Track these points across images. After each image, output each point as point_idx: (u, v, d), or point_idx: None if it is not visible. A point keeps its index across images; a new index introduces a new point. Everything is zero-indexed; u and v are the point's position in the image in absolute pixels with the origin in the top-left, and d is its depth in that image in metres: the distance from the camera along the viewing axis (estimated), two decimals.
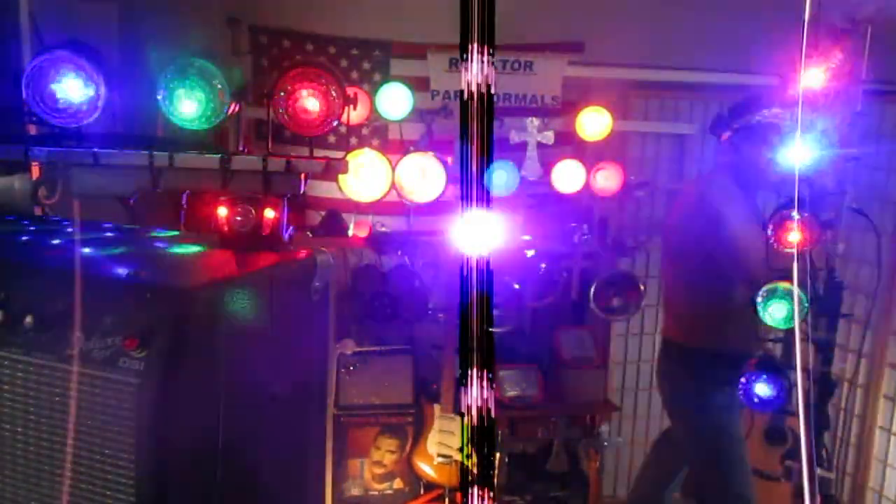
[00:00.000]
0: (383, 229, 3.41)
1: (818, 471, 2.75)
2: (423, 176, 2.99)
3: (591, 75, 3.65)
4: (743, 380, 2.68)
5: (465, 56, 1.08)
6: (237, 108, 1.83)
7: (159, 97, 1.73)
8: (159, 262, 1.71)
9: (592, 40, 3.58)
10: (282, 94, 1.82)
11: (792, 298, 2.35)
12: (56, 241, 1.72)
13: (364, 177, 2.96)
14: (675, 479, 3.13)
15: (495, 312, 3.44)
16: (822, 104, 2.55)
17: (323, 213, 3.39)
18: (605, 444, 3.58)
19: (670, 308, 2.99)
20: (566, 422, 3.66)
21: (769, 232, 2.43)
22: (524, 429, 3.78)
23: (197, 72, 1.72)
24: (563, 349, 3.70)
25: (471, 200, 1.15)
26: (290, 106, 1.82)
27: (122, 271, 1.52)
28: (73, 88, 1.66)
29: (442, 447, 3.43)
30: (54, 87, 1.65)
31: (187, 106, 1.72)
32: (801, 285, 2.41)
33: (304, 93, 1.81)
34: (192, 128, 1.76)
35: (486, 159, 1.12)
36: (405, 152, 3.10)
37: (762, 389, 2.59)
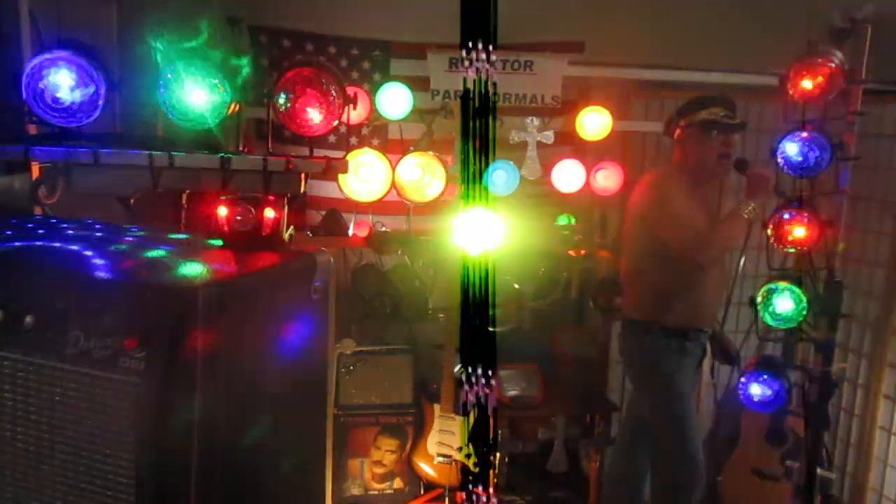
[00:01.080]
0: (383, 229, 3.41)
1: (818, 471, 2.76)
2: (423, 176, 2.99)
3: (591, 75, 3.65)
4: (743, 379, 2.69)
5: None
6: (237, 108, 1.83)
7: (159, 97, 1.73)
8: (159, 262, 1.71)
9: (592, 40, 3.58)
10: (282, 94, 1.83)
11: (795, 295, 2.35)
12: (56, 241, 1.72)
13: (364, 177, 2.96)
14: (646, 470, 3.20)
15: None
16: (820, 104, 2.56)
17: (323, 212, 3.39)
18: (605, 444, 3.58)
19: (627, 287, 3.15)
20: (566, 422, 3.65)
21: (769, 230, 2.44)
22: (524, 429, 3.78)
23: (201, 67, 1.72)
24: (563, 349, 3.69)
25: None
26: (291, 106, 1.83)
27: (121, 271, 1.52)
28: (72, 88, 1.65)
29: (442, 447, 3.43)
30: (54, 86, 1.65)
31: (197, 96, 1.71)
32: (802, 284, 2.42)
33: (304, 92, 1.81)
34: (194, 127, 1.75)
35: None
36: (405, 152, 3.10)
37: (760, 390, 2.60)
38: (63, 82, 1.65)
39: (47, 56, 1.64)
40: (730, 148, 2.87)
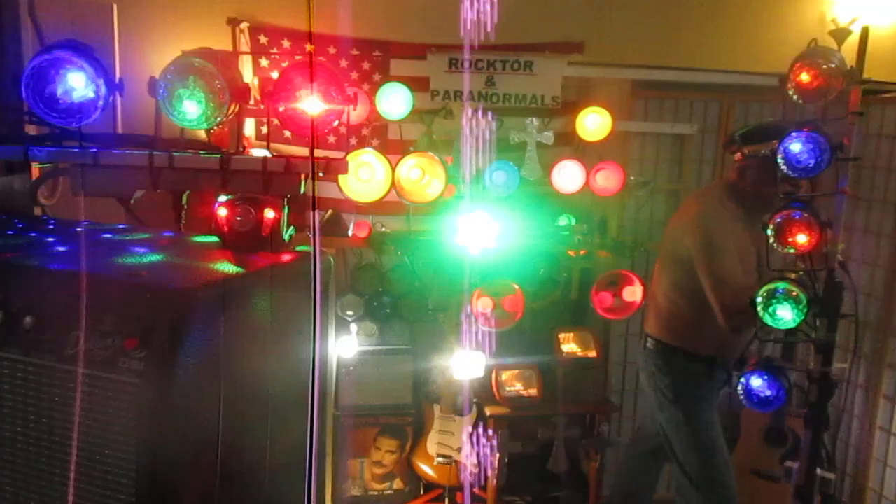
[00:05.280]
0: (383, 229, 3.41)
1: (818, 471, 2.75)
2: (423, 176, 2.99)
3: (591, 75, 3.65)
4: (742, 379, 2.69)
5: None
6: (237, 108, 1.83)
7: (159, 98, 1.73)
8: (159, 262, 1.71)
9: (592, 40, 3.59)
10: (282, 94, 1.83)
11: (794, 301, 2.35)
12: (56, 241, 1.72)
13: (364, 177, 2.96)
14: (654, 477, 3.20)
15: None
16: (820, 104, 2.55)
17: (323, 213, 3.39)
18: (606, 444, 3.59)
19: (653, 304, 3.07)
20: (566, 422, 3.65)
21: (769, 231, 2.43)
22: (524, 429, 3.78)
23: (197, 72, 1.72)
24: (563, 349, 3.69)
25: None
26: (290, 106, 1.83)
27: (122, 271, 1.52)
28: (72, 88, 1.65)
29: (442, 447, 3.43)
30: (54, 86, 1.65)
31: (189, 107, 1.72)
32: (803, 286, 2.42)
33: (304, 93, 1.81)
34: (193, 128, 1.76)
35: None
36: (405, 152, 3.10)
37: (760, 387, 2.60)
38: (63, 83, 1.65)
39: (47, 56, 1.64)
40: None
